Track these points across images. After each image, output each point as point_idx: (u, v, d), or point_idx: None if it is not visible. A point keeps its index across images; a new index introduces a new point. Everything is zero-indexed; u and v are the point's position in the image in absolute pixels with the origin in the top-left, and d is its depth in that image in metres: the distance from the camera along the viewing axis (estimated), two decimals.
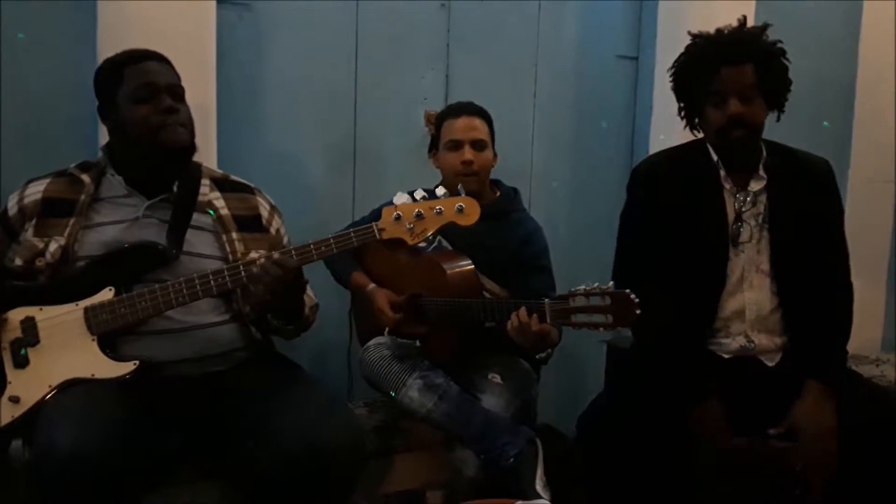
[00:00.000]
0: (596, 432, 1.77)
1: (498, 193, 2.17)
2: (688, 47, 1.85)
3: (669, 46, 2.75)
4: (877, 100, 3.02)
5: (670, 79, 1.88)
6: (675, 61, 1.87)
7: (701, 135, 1.89)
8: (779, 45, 1.80)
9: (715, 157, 1.84)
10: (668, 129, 2.77)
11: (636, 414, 1.69)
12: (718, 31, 1.82)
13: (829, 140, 2.76)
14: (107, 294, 1.56)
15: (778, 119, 1.86)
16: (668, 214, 1.84)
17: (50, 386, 1.51)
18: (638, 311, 1.57)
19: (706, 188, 1.84)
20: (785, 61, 1.81)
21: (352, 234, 1.58)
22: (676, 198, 1.84)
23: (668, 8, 2.78)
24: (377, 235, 1.58)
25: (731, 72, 1.75)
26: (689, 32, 1.86)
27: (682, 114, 1.89)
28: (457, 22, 2.64)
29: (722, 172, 1.84)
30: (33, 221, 1.62)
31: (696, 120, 1.87)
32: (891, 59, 3.01)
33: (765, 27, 1.80)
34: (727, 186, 1.84)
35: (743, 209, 1.83)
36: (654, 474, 1.70)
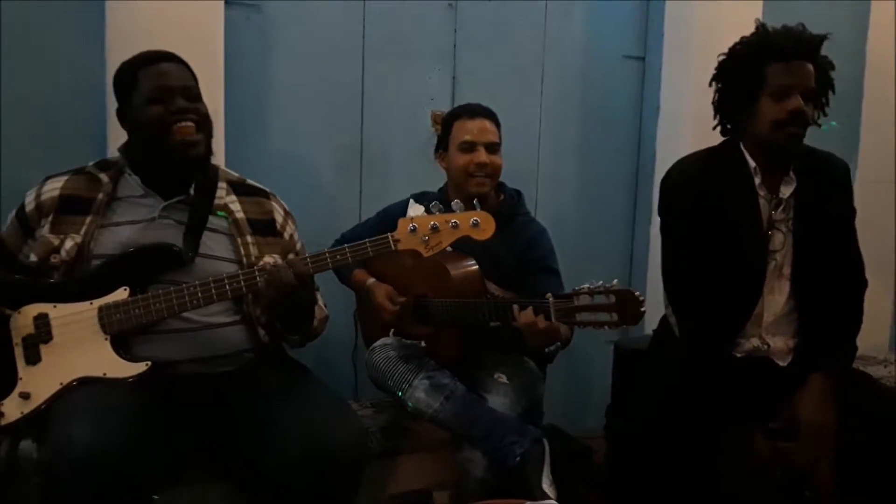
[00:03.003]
0: (628, 439, 1.77)
1: (501, 197, 2.17)
2: (753, 35, 1.81)
3: (676, 46, 2.77)
4: (884, 101, 3.02)
5: (723, 64, 1.84)
6: (737, 46, 1.83)
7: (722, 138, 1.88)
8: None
9: (752, 164, 1.82)
10: (675, 129, 2.78)
11: (673, 419, 1.72)
12: (784, 27, 1.79)
13: (836, 140, 2.75)
14: (121, 294, 1.56)
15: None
16: (703, 223, 1.82)
17: (61, 384, 1.51)
18: (643, 310, 1.57)
19: (741, 196, 1.82)
20: (831, 75, 1.81)
21: (368, 244, 1.58)
22: (711, 206, 1.81)
23: (675, 8, 2.78)
24: (393, 247, 1.59)
25: (801, 67, 1.74)
26: (757, 20, 1.83)
27: (720, 109, 1.86)
28: (463, 22, 2.64)
29: (757, 180, 1.82)
30: (49, 218, 1.62)
31: (738, 114, 1.82)
32: None
33: (824, 37, 1.79)
34: (762, 193, 1.82)
35: (774, 217, 1.82)
36: (681, 479, 1.71)
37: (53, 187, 1.65)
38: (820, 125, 1.85)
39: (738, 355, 1.85)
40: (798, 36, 1.76)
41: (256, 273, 1.57)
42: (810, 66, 1.75)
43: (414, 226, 1.58)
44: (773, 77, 1.75)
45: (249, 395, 1.62)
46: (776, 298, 1.84)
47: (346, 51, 2.49)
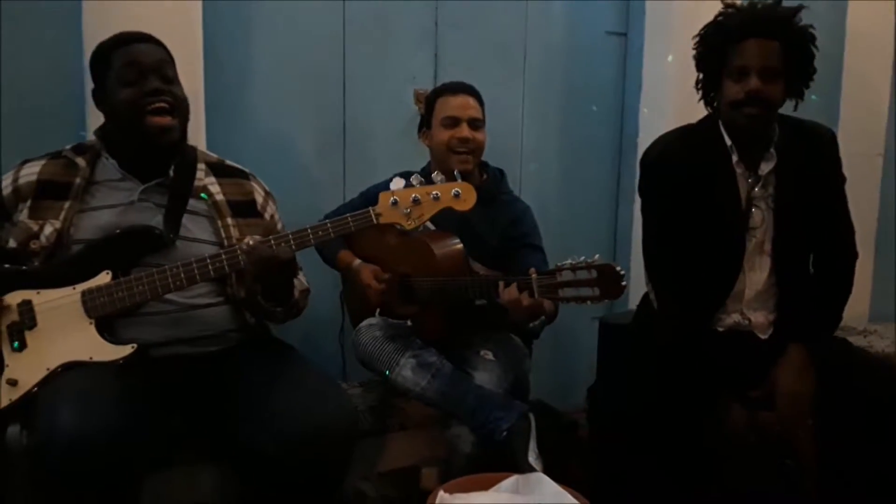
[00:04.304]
0: (612, 412, 1.80)
1: (485, 176, 2.18)
2: (717, 16, 1.81)
3: (658, 22, 2.77)
4: (864, 74, 3.04)
5: (693, 46, 1.85)
6: (702, 28, 1.84)
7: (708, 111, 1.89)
8: (810, 30, 1.77)
9: (728, 141, 1.82)
10: (656, 105, 2.79)
11: (655, 393, 1.74)
12: (752, 4, 1.79)
13: (816, 114, 2.76)
14: (104, 278, 1.56)
15: (795, 108, 1.84)
16: (682, 202, 1.83)
17: (48, 369, 1.51)
18: (624, 284, 1.59)
19: (719, 174, 1.83)
20: (813, 48, 1.78)
21: (349, 218, 1.58)
22: (690, 184, 1.82)
23: None
24: (374, 220, 1.58)
25: (758, 45, 1.72)
26: (723, 1, 1.82)
27: (699, 85, 1.87)
28: (445, 0, 2.62)
29: (734, 157, 1.82)
30: (28, 203, 1.61)
31: (712, 94, 1.85)
32: (877, 34, 3.02)
33: (798, 9, 1.77)
34: (739, 171, 1.83)
35: (754, 194, 1.82)
36: (663, 451, 1.73)
37: (31, 171, 1.64)
38: (801, 100, 1.85)
39: (720, 329, 1.87)
40: (756, 15, 1.75)
41: (238, 252, 1.57)
42: (772, 44, 1.72)
43: (395, 199, 1.58)
44: (732, 58, 1.75)
45: (237, 376, 1.62)
46: (757, 275, 1.86)
47: (327, 31, 2.47)
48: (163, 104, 1.61)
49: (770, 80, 1.73)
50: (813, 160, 1.83)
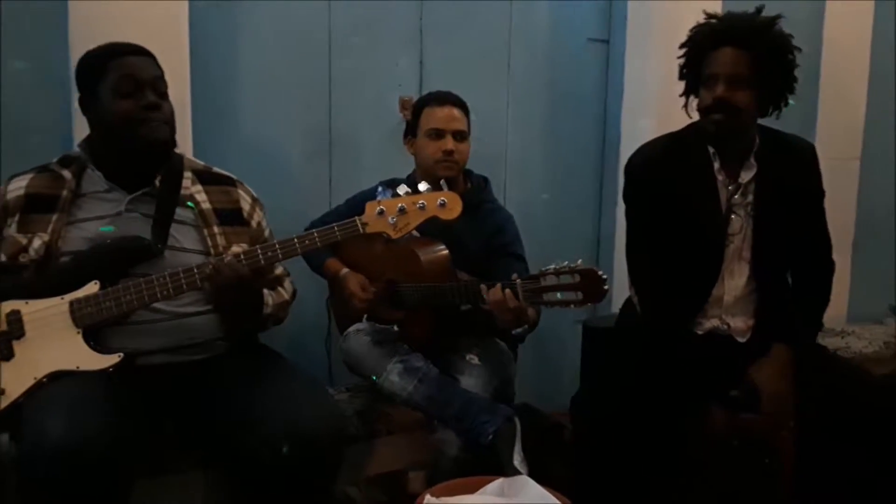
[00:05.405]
0: (595, 415, 1.82)
1: (468, 184, 2.20)
2: (694, 27, 1.86)
3: (640, 29, 2.80)
4: (841, 79, 3.08)
5: (678, 57, 1.89)
6: (682, 43, 1.88)
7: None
8: (791, 38, 1.80)
9: (711, 149, 1.85)
10: (638, 111, 2.82)
11: (636, 394, 1.76)
12: (729, 13, 1.83)
13: (794, 118, 2.80)
14: (92, 288, 1.56)
15: (778, 116, 1.87)
16: (664, 207, 1.87)
17: (35, 378, 1.52)
18: (606, 287, 1.62)
19: (701, 180, 1.86)
20: (791, 58, 1.81)
21: (335, 228, 1.60)
22: (673, 191, 1.86)
23: None
24: (360, 230, 1.60)
25: (727, 54, 1.76)
26: (705, 12, 1.86)
27: (683, 95, 1.91)
28: (430, 7, 2.64)
29: (716, 164, 1.86)
30: (16, 217, 1.62)
31: (692, 103, 1.88)
32: (854, 40, 3.07)
33: (775, 18, 1.80)
34: (720, 178, 1.86)
35: (733, 201, 1.86)
36: (645, 452, 1.76)
37: (19, 186, 1.65)
38: (778, 108, 1.87)
39: (699, 332, 1.91)
40: (729, 25, 1.79)
41: (221, 263, 1.57)
42: (742, 53, 1.76)
43: (381, 208, 1.59)
44: (705, 67, 1.80)
45: (225, 383, 1.63)
46: (736, 281, 1.89)
47: (313, 37, 2.48)
48: (159, 119, 1.63)
49: (737, 88, 1.77)
50: (792, 171, 1.87)
